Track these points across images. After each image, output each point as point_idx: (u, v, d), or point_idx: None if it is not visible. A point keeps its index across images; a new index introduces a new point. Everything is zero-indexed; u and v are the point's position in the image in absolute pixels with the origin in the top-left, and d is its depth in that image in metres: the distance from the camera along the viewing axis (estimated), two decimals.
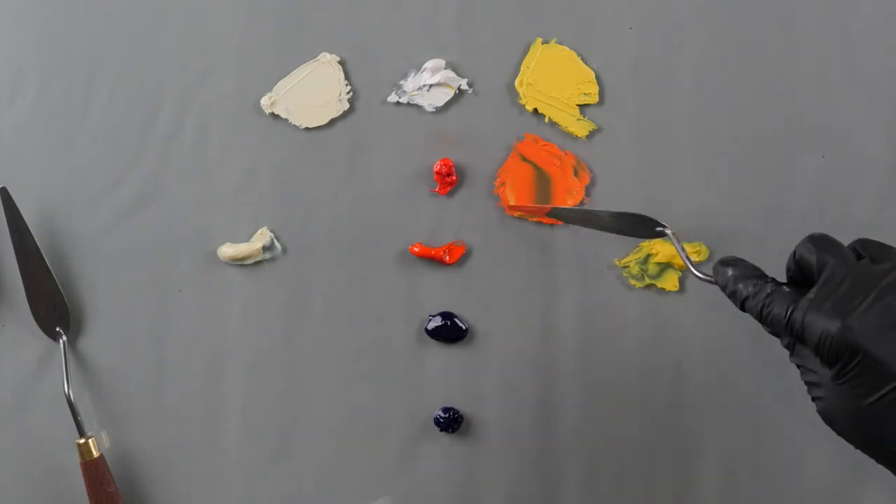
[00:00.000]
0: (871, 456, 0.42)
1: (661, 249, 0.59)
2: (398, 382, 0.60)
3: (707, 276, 0.48)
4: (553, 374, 0.59)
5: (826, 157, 0.60)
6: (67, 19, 0.62)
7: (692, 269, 0.49)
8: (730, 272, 0.46)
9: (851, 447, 0.59)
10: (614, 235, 0.59)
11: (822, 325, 0.41)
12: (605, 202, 0.60)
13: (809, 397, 0.60)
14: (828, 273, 0.42)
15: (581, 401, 0.59)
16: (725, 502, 0.58)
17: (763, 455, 0.59)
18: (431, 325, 0.59)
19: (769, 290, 0.44)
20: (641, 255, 0.59)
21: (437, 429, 0.59)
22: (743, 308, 0.46)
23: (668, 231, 0.54)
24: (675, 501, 0.58)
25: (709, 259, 0.59)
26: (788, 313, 0.43)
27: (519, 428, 0.59)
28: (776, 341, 0.59)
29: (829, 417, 0.43)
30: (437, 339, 0.59)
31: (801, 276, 0.45)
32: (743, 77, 0.60)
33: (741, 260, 0.47)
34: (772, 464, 0.58)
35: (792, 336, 0.43)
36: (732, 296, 0.46)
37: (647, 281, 0.59)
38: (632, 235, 0.57)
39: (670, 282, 0.59)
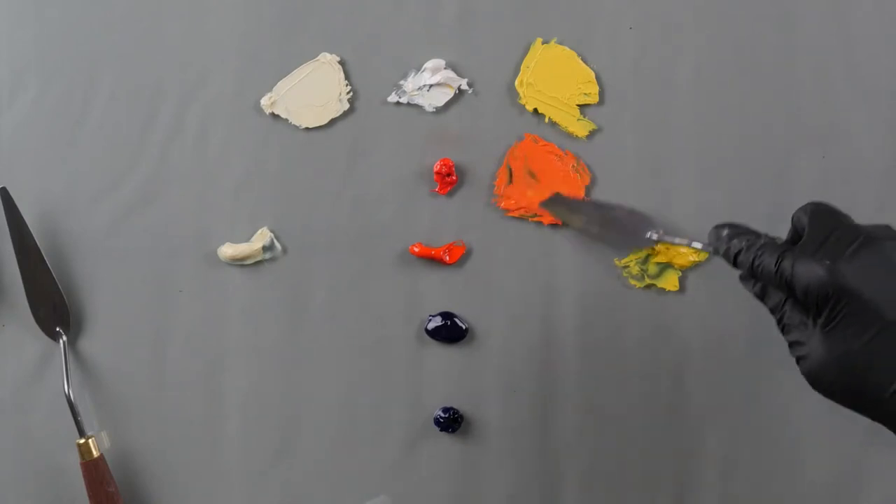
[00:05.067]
0: (862, 410, 0.42)
1: (660, 249, 0.59)
2: (398, 382, 0.60)
3: (704, 245, 0.48)
4: (553, 374, 0.59)
5: (826, 157, 0.60)
6: (67, 19, 0.62)
7: (690, 243, 0.49)
8: (724, 232, 0.47)
9: (850, 448, 0.59)
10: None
11: (811, 269, 0.42)
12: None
13: (809, 393, 0.60)
14: (817, 226, 0.43)
15: (581, 401, 0.59)
16: (725, 502, 0.58)
17: (763, 455, 0.59)
18: (431, 325, 0.59)
19: (762, 243, 0.45)
20: (641, 255, 0.59)
21: (437, 429, 0.59)
22: (735, 263, 0.46)
23: (654, 236, 0.53)
24: (675, 501, 0.58)
25: (708, 259, 0.59)
26: (778, 262, 0.43)
27: (519, 428, 0.59)
28: (777, 341, 0.59)
29: (817, 375, 0.43)
30: (437, 339, 0.59)
31: (798, 239, 0.46)
32: (743, 77, 0.60)
33: (735, 223, 0.47)
34: (772, 463, 0.59)
35: (780, 285, 0.44)
36: (726, 253, 0.46)
37: (647, 281, 0.59)
38: (618, 244, 0.56)
39: (670, 282, 0.59)
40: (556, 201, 0.58)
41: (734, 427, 0.59)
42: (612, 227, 0.55)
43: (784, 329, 0.45)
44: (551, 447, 0.59)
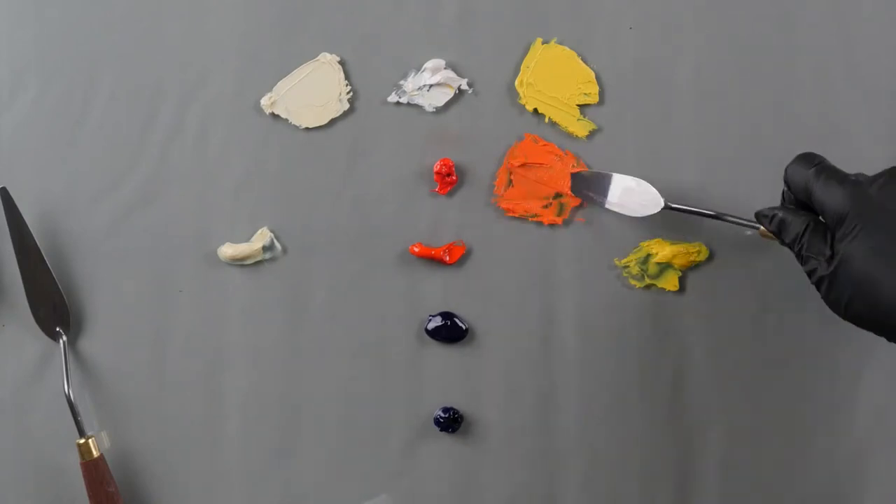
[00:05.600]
0: (875, 327, 0.43)
1: (660, 249, 0.59)
2: (398, 382, 0.60)
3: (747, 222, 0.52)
4: (553, 374, 0.59)
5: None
6: (67, 19, 0.62)
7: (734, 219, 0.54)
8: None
9: (850, 449, 0.59)
10: (614, 235, 0.59)
11: (830, 188, 0.45)
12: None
13: (810, 393, 0.60)
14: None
15: (581, 401, 0.59)
16: (725, 502, 0.58)
17: (763, 455, 0.59)
18: (431, 325, 0.59)
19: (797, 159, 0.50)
20: (641, 254, 0.59)
21: (437, 429, 0.59)
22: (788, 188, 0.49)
23: (675, 205, 0.56)
24: (675, 501, 0.58)
25: (708, 259, 0.59)
26: (809, 173, 0.47)
27: (519, 428, 0.59)
28: (777, 341, 0.59)
29: (830, 294, 0.44)
30: (437, 339, 0.59)
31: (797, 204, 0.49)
32: (743, 77, 0.60)
33: None
34: (772, 463, 0.59)
35: (804, 194, 0.47)
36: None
37: (647, 281, 0.59)
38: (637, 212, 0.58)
39: (670, 282, 0.59)
40: (583, 174, 0.59)
41: (734, 427, 0.59)
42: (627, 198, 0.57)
43: (803, 260, 0.46)
44: (551, 447, 0.59)
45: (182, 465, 0.60)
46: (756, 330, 0.59)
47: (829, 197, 0.45)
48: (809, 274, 0.46)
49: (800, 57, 0.60)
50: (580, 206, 0.60)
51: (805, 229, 0.47)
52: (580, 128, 0.60)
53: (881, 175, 0.45)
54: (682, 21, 0.61)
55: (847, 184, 0.45)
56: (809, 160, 0.48)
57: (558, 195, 0.60)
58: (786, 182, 0.49)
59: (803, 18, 0.60)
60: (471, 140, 0.61)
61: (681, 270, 0.59)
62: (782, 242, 0.49)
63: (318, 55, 0.61)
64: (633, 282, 0.59)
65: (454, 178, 0.60)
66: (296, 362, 0.60)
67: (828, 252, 0.44)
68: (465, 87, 0.60)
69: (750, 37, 0.60)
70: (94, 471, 0.58)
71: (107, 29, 0.62)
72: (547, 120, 0.60)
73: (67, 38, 0.62)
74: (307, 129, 0.61)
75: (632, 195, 0.58)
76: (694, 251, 0.59)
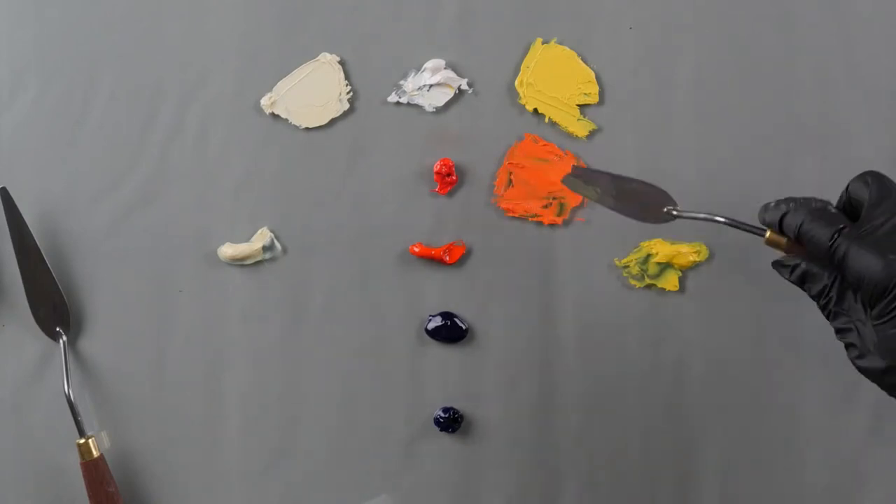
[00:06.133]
0: None
1: (660, 249, 0.59)
2: (398, 382, 0.60)
3: (727, 218, 0.47)
4: (553, 374, 0.59)
5: (826, 158, 0.60)
6: (67, 19, 0.62)
7: (713, 217, 0.48)
8: (772, 203, 0.45)
9: (850, 448, 0.59)
10: (614, 235, 0.59)
11: (869, 259, 0.40)
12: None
13: (810, 393, 0.60)
14: (878, 206, 0.41)
15: (581, 401, 0.59)
16: (725, 502, 0.58)
17: (763, 455, 0.59)
18: (431, 325, 0.59)
19: (814, 206, 0.43)
20: (641, 254, 0.59)
21: (437, 429, 0.59)
22: (781, 228, 0.44)
23: (673, 212, 0.52)
24: (675, 501, 0.58)
25: (708, 259, 0.59)
26: (833, 238, 0.41)
27: (519, 428, 0.59)
28: (777, 341, 0.59)
29: (868, 366, 0.41)
30: (437, 339, 0.59)
31: (850, 209, 0.44)
32: (743, 77, 0.60)
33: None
34: (772, 463, 0.59)
35: (831, 262, 0.42)
36: (773, 217, 0.44)
37: (647, 281, 0.59)
38: (635, 216, 0.56)
39: (670, 282, 0.59)
40: (573, 175, 0.57)
41: (734, 427, 0.59)
42: (629, 200, 0.55)
43: (830, 315, 0.43)
44: (551, 447, 0.59)
45: (182, 465, 0.60)
46: (756, 330, 0.59)
47: (867, 268, 0.40)
48: (838, 331, 0.43)
49: (800, 57, 0.60)
50: (580, 206, 0.60)
51: (833, 283, 0.43)
52: (580, 128, 0.60)
53: None
54: (682, 21, 0.61)
55: (890, 260, 0.40)
56: (831, 221, 0.42)
57: (556, 196, 0.60)
58: (806, 235, 0.43)
59: (803, 18, 0.60)
60: (471, 140, 0.61)
61: (681, 270, 0.59)
62: (805, 290, 0.45)
63: (318, 55, 0.61)
64: (633, 282, 0.59)
65: (454, 178, 0.60)
66: (296, 362, 0.60)
67: (861, 315, 0.41)
68: (465, 87, 0.60)
69: (750, 37, 0.60)
70: (94, 471, 0.58)
71: (107, 29, 0.62)
72: (547, 120, 0.60)
73: (67, 38, 0.62)
74: (307, 129, 0.61)
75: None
76: (694, 251, 0.59)
